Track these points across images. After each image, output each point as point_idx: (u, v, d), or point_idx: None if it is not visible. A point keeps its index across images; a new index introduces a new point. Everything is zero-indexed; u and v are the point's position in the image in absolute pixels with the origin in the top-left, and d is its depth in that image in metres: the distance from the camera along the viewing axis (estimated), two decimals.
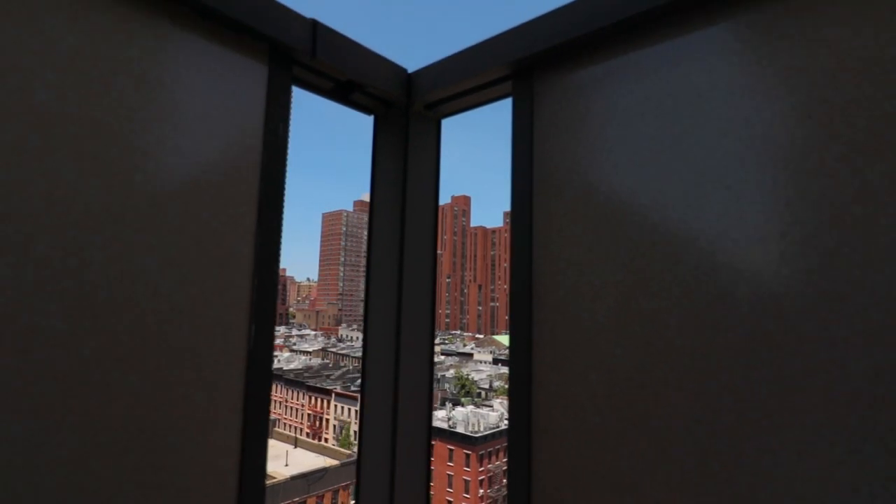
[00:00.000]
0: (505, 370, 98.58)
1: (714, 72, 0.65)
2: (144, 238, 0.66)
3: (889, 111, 0.52)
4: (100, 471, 0.62)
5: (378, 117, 0.99)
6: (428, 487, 1.05)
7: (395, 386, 1.01)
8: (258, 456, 0.75)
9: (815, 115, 0.57)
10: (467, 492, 54.21)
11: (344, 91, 0.91)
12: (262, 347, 0.77)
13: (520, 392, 0.84)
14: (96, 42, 0.60)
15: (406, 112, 0.97)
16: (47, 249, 0.57)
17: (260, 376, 0.77)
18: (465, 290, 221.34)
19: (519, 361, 0.83)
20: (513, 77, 0.85)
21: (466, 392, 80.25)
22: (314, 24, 0.83)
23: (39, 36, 0.57)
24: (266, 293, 0.77)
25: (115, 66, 0.61)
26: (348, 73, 0.87)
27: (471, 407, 59.43)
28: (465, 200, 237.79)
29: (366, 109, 0.98)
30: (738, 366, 0.66)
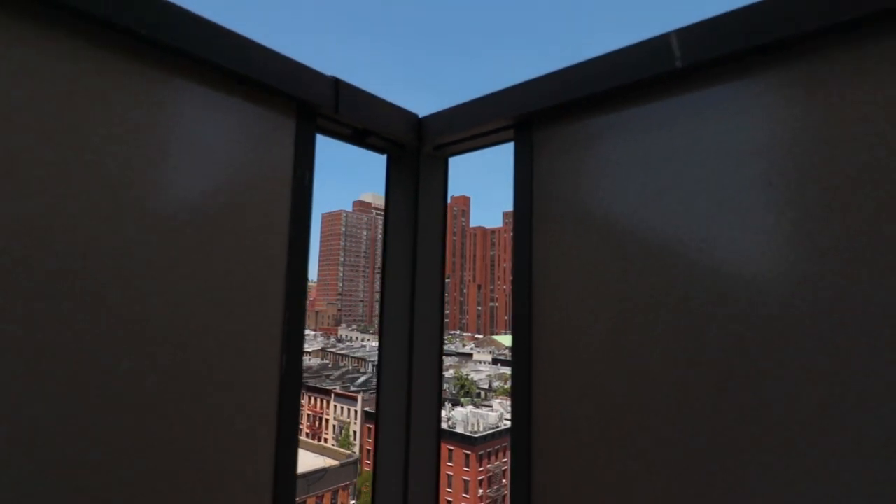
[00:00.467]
0: (504, 370, 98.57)
1: (695, 133, 0.73)
2: (192, 278, 0.75)
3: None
4: (145, 493, 0.69)
5: (391, 156, 1.08)
6: (437, 487, 1.11)
7: (407, 408, 1.09)
8: (290, 474, 0.87)
9: (784, 175, 0.63)
10: (467, 492, 54.19)
11: (361, 136, 1.00)
12: (292, 374, 0.86)
13: (521, 413, 0.90)
14: (154, 115, 0.70)
15: (417, 153, 1.07)
16: (113, 294, 0.66)
17: (291, 400, 0.85)
18: (465, 291, 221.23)
19: (521, 389, 0.90)
20: (514, 127, 0.94)
21: (466, 392, 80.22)
22: (336, 83, 0.92)
23: (108, 111, 0.66)
24: (295, 325, 0.85)
25: (169, 133, 0.72)
26: (365, 122, 0.97)
27: (470, 407, 59.39)
28: (465, 201, 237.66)
29: (380, 150, 1.07)
30: (735, 390, 0.69)
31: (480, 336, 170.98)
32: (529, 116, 0.91)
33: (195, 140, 0.74)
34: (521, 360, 0.88)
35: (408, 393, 1.07)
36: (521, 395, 0.89)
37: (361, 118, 0.95)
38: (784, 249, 0.63)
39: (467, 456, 53.32)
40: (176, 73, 0.72)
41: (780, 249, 0.64)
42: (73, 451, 0.63)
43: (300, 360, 0.85)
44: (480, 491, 54.28)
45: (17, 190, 0.58)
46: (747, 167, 0.67)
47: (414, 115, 1.04)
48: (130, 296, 0.68)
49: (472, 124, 0.99)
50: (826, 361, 0.63)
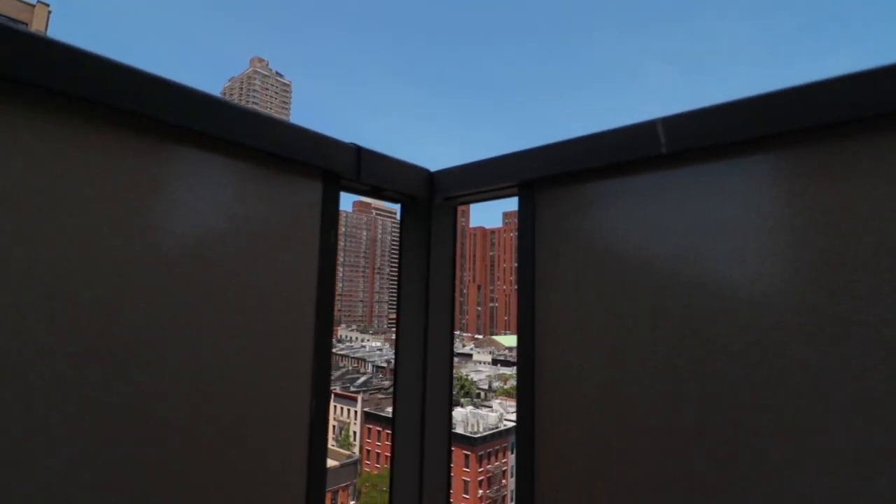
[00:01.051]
0: (504, 370, 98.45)
1: (680, 206, 0.81)
2: (235, 337, 0.83)
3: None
4: None
5: (405, 206, 1.18)
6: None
7: (422, 413, 1.17)
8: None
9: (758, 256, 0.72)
10: (467, 492, 54.06)
11: (378, 191, 1.11)
12: (320, 417, 0.95)
13: (525, 452, 0.99)
14: (196, 191, 0.79)
15: (429, 204, 1.17)
16: (172, 356, 0.75)
17: (320, 439, 0.94)
18: (465, 291, 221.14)
19: (525, 424, 0.99)
20: (518, 188, 1.03)
21: (466, 393, 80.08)
22: (358, 150, 0.99)
23: (159, 193, 0.74)
24: (323, 372, 0.94)
25: (212, 207, 0.81)
26: (383, 182, 1.06)
27: (470, 408, 59.27)
28: None
29: (395, 200, 1.17)
30: (734, 436, 0.73)
31: (480, 336, 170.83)
32: (532, 181, 1.00)
33: (234, 212, 0.83)
34: (525, 400, 0.99)
35: (422, 397, 1.16)
36: (524, 434, 0.99)
37: (380, 178, 1.04)
38: (754, 319, 0.71)
39: (467, 456, 53.21)
40: (215, 153, 0.80)
41: (751, 319, 0.72)
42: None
43: (328, 403, 0.95)
44: (480, 491, 54.17)
45: (91, 269, 0.66)
46: (724, 243, 0.75)
47: (426, 171, 1.13)
48: (186, 357, 0.76)
49: (479, 184, 1.08)
50: (820, 409, 0.66)
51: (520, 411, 1.00)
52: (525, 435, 0.98)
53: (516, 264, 1.02)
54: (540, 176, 0.97)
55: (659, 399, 0.81)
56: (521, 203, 1.02)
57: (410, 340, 1.17)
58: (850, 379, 0.63)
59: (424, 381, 1.16)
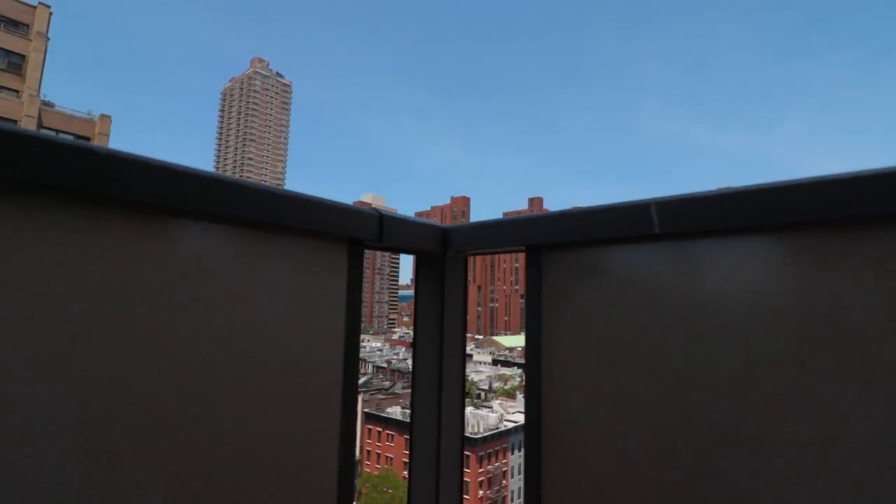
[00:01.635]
0: (504, 371, 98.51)
1: (669, 278, 0.89)
2: (276, 396, 0.91)
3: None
4: None
5: (419, 258, 1.28)
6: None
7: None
8: None
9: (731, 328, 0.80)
10: (467, 492, 54.09)
11: (396, 248, 1.20)
12: (348, 465, 1.02)
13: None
14: (244, 272, 0.87)
15: (442, 256, 1.26)
16: (225, 420, 0.83)
17: (347, 484, 1.02)
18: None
19: (531, 475, 1.05)
20: (525, 250, 1.11)
21: (466, 393, 79.94)
22: (380, 217, 1.08)
23: (212, 278, 0.82)
24: (349, 421, 1.02)
25: (248, 276, 0.88)
26: (402, 242, 1.15)
27: (470, 408, 59.29)
28: (465, 201, 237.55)
29: (410, 253, 1.28)
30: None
31: (480, 336, 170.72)
32: (538, 246, 1.08)
33: (275, 285, 0.91)
34: (532, 456, 1.04)
35: (438, 402, 1.25)
36: (531, 484, 1.04)
37: (399, 240, 1.13)
38: (735, 386, 0.79)
39: (467, 457, 53.25)
40: (260, 234, 0.89)
41: (732, 386, 0.79)
42: None
43: (353, 453, 1.03)
44: (481, 492, 54.17)
45: (159, 348, 0.75)
46: (709, 316, 0.83)
47: (440, 229, 1.23)
48: (236, 420, 0.84)
49: (489, 244, 1.18)
50: (791, 471, 0.73)
51: (527, 464, 1.06)
52: (532, 488, 1.05)
53: (525, 319, 1.12)
54: (546, 242, 1.06)
55: (654, 455, 0.87)
56: (528, 263, 1.10)
57: (426, 377, 1.25)
58: (816, 442, 0.71)
59: (439, 422, 1.26)
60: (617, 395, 0.94)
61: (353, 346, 1.05)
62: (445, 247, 1.22)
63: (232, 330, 0.84)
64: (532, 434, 1.05)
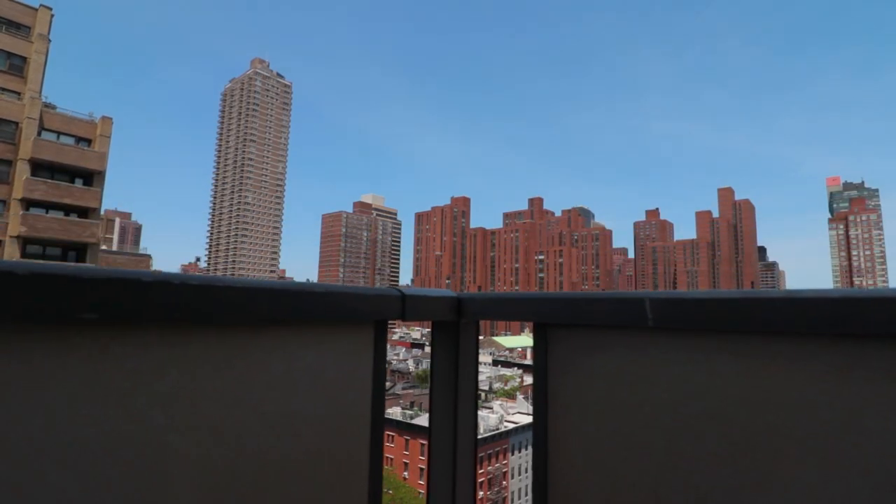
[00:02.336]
0: (504, 371, 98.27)
1: (658, 364, 0.99)
2: (315, 466, 1.00)
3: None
4: None
5: (436, 326, 1.40)
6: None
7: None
8: None
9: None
10: None
11: (415, 320, 1.32)
12: None
13: None
14: (290, 362, 0.98)
15: (457, 324, 1.38)
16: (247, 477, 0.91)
17: None
18: (465, 291, 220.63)
19: None
20: (534, 325, 1.21)
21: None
22: (403, 298, 1.18)
23: (263, 371, 0.93)
24: (377, 481, 1.12)
25: (302, 372, 0.99)
26: (421, 316, 1.26)
27: None
28: (465, 202, 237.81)
29: (427, 319, 1.40)
30: None
31: (481, 337, 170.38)
32: (545, 324, 1.20)
33: (314, 371, 1.02)
34: None
35: (453, 448, 1.37)
36: None
37: (419, 314, 1.24)
38: (706, 470, 0.91)
39: None
40: (302, 329, 1.01)
41: (705, 469, 0.91)
42: None
43: None
44: (481, 493, 54.16)
45: (222, 436, 0.86)
46: (691, 404, 0.94)
47: (455, 298, 1.34)
48: (282, 483, 0.95)
49: (500, 315, 1.29)
50: None
51: None
52: None
53: (532, 388, 1.24)
54: (552, 322, 1.18)
55: None
56: (535, 338, 1.21)
57: (442, 429, 1.36)
58: None
59: (454, 469, 1.36)
60: (616, 464, 1.03)
61: (379, 409, 1.14)
62: (460, 314, 1.35)
63: (278, 414, 0.95)
64: (539, 494, 1.16)
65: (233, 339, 0.89)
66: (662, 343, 0.98)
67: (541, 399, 1.18)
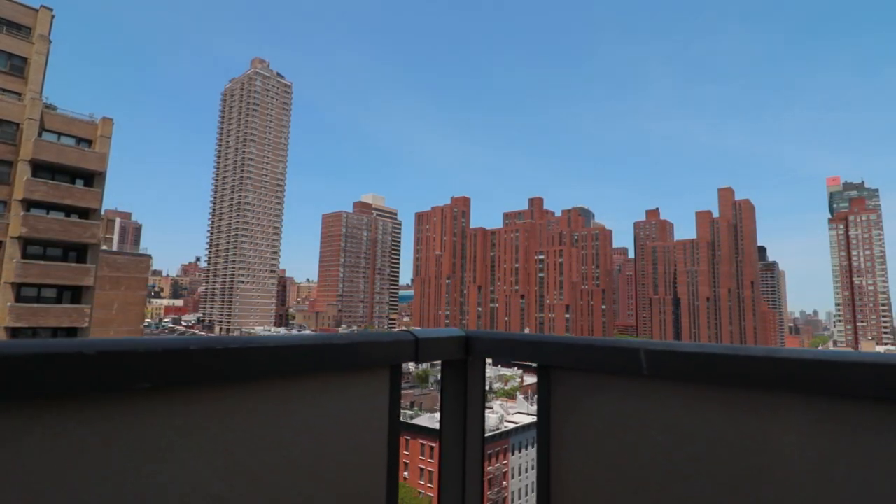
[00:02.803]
0: (504, 371, 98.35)
1: (651, 412, 1.06)
2: (317, 501, 1.05)
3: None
4: None
5: (444, 364, 1.47)
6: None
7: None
8: None
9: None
10: None
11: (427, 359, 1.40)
12: None
13: None
14: (318, 409, 1.06)
15: (465, 361, 1.44)
16: None
17: None
18: (465, 291, 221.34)
19: None
20: (538, 367, 1.29)
21: None
22: (416, 341, 1.26)
23: (286, 417, 1.01)
24: None
25: (327, 419, 1.07)
26: (433, 357, 1.33)
27: None
28: (465, 201, 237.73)
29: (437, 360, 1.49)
30: None
31: None
32: (548, 366, 1.26)
33: (329, 412, 1.08)
34: None
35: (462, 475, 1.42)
36: None
37: (431, 356, 1.32)
38: None
39: None
40: (318, 375, 1.07)
41: None
42: None
43: None
44: None
45: (251, 480, 0.93)
46: (682, 447, 1.00)
47: (464, 337, 1.41)
48: None
49: (507, 355, 1.36)
50: None
51: None
52: None
53: (536, 426, 1.30)
54: (555, 364, 1.24)
55: None
56: (539, 378, 1.29)
57: (450, 462, 1.42)
58: None
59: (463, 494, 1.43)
60: (613, 501, 1.09)
61: (394, 448, 1.20)
62: (468, 352, 1.42)
63: (304, 457, 1.02)
64: None
65: (265, 392, 0.96)
66: (656, 390, 1.05)
67: (544, 436, 1.24)
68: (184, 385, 0.84)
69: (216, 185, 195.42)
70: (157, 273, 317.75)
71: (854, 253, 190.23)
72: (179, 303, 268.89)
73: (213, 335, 0.81)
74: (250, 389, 0.94)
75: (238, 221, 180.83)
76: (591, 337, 1.23)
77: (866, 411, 0.81)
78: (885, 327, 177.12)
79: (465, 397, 1.46)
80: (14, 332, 25.56)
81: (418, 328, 1.40)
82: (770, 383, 0.89)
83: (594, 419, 1.15)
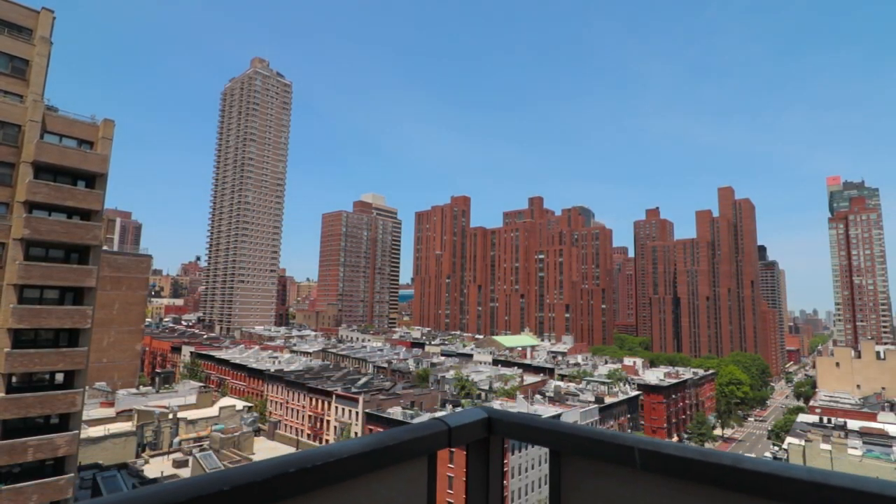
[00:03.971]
0: (504, 371, 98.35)
1: (649, 497, 1.22)
2: None
3: None
4: None
5: (469, 444, 1.63)
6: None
7: None
8: None
9: None
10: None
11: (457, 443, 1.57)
12: None
13: None
14: (368, 499, 1.24)
15: (487, 440, 1.62)
16: None
17: None
18: (465, 291, 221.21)
19: None
20: (550, 451, 1.47)
21: (466, 393, 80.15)
22: (450, 430, 1.44)
23: None
24: None
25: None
26: (463, 440, 1.53)
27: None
28: (465, 201, 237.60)
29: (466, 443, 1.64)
30: None
31: (481, 336, 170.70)
32: (559, 451, 1.45)
33: (377, 502, 1.25)
34: None
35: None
36: None
37: (461, 439, 1.50)
38: None
39: None
40: (365, 474, 1.23)
41: None
42: None
43: None
44: None
45: None
46: None
47: (486, 418, 1.60)
48: None
49: (523, 438, 1.54)
50: None
51: None
52: None
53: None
54: (564, 451, 1.43)
55: None
56: (551, 460, 1.47)
57: None
58: None
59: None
60: None
61: None
62: (490, 431, 1.60)
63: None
64: None
65: (332, 493, 1.14)
66: (648, 482, 1.22)
67: None
68: (270, 501, 1.00)
69: (216, 184, 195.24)
70: (157, 272, 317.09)
71: (854, 252, 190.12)
72: (180, 302, 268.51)
73: (300, 451, 1.12)
74: (322, 494, 1.11)
75: (238, 220, 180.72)
76: (596, 428, 1.41)
77: None
78: (884, 327, 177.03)
79: (486, 475, 1.63)
80: (17, 333, 25.68)
81: (448, 413, 1.58)
82: (742, 488, 1.05)
83: (598, 499, 1.33)
